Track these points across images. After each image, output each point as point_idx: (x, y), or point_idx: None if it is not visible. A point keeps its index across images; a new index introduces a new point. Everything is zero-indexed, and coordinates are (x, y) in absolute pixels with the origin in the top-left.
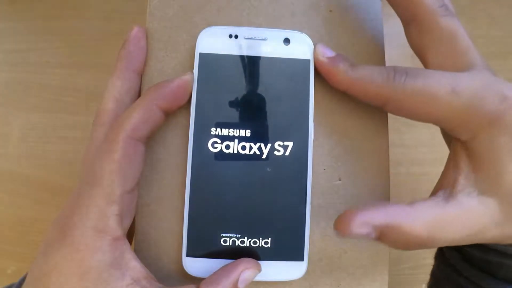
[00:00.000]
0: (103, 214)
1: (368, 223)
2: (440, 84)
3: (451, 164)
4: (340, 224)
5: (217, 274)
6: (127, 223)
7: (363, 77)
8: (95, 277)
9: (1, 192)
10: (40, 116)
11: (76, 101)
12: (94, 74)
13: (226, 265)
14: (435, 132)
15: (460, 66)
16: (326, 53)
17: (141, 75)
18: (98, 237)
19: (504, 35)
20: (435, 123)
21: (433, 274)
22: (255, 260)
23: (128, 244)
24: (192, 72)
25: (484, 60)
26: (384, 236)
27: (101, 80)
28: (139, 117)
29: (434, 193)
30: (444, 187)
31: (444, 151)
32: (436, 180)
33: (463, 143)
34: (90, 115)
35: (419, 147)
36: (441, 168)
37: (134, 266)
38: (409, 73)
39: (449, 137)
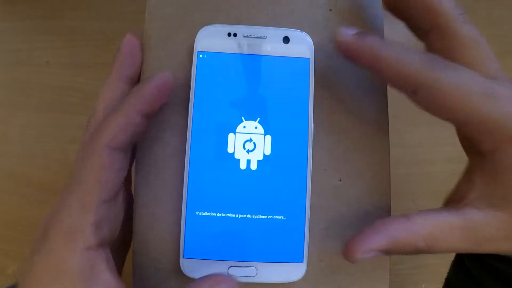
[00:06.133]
0: (76, 221)
1: (372, 249)
2: (475, 83)
3: (465, 178)
4: (347, 254)
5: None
6: (106, 233)
7: (398, 56)
8: (62, 287)
9: (1, 192)
10: (40, 116)
11: (76, 101)
12: (94, 74)
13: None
14: (436, 132)
15: (487, 73)
16: (349, 31)
17: (134, 80)
18: (69, 244)
19: (504, 35)
20: (459, 123)
21: (448, 281)
22: (231, 278)
23: (104, 255)
24: (169, 70)
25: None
26: (388, 252)
27: (101, 80)
28: (117, 126)
29: (444, 204)
30: (454, 199)
31: (444, 151)
32: (435, 180)
33: (481, 155)
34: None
35: (419, 147)
36: (442, 168)
37: (107, 279)
38: (448, 64)
39: (468, 148)
